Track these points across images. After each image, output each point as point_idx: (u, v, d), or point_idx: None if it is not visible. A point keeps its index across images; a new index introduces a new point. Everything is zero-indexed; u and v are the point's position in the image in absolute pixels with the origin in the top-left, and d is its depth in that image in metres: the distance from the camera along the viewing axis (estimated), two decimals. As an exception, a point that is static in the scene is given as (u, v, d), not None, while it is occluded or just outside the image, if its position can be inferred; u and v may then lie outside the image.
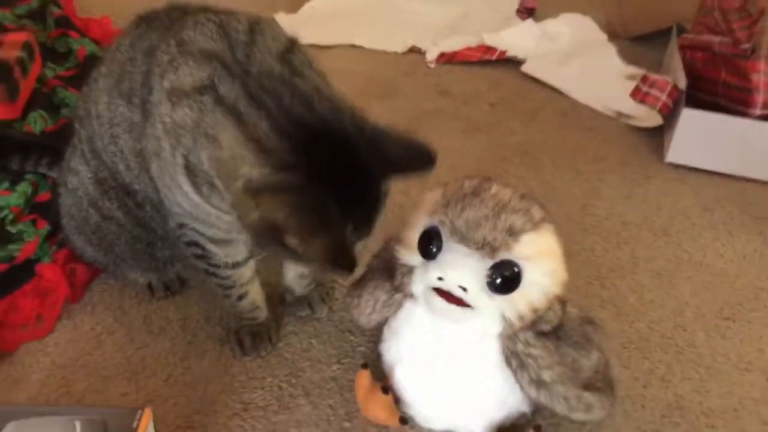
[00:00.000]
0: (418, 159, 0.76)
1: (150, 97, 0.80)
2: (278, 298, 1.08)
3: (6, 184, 1.22)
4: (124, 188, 0.93)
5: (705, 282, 1.17)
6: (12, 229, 1.13)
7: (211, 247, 0.90)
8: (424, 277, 0.80)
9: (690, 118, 1.37)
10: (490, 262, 0.77)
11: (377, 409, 0.90)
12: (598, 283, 1.15)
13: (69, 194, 1.00)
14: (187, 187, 0.79)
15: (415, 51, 1.78)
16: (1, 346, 0.99)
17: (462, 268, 0.77)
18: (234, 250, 0.91)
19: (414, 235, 0.83)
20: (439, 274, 0.78)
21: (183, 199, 0.82)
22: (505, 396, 0.85)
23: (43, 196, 1.21)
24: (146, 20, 0.87)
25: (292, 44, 0.80)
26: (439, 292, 0.79)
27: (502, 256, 0.77)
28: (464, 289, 0.78)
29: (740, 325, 1.09)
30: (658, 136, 1.50)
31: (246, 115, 0.72)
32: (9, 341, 1.00)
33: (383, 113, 1.49)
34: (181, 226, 0.89)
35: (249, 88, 0.73)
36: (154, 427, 0.86)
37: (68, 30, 1.68)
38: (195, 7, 0.85)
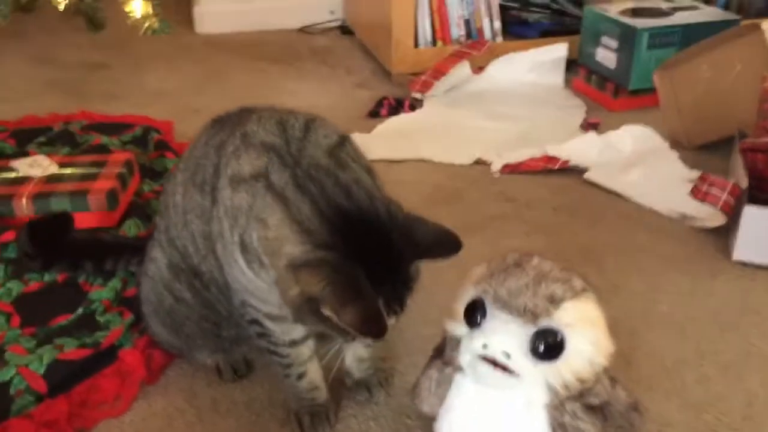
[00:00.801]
0: (445, 245, 0.86)
1: (218, 183, 0.91)
2: (338, 381, 1.11)
3: (100, 280, 1.34)
4: (193, 270, 1.02)
5: (776, 375, 1.13)
6: (101, 319, 1.23)
7: (269, 325, 0.97)
8: (470, 346, 0.83)
9: (753, 215, 1.37)
10: (532, 329, 0.80)
11: (430, 485, 0.90)
12: (663, 375, 1.14)
13: (148, 281, 1.10)
14: (242, 263, 0.88)
15: (480, 163, 1.86)
16: (82, 423, 1.06)
17: (505, 334, 0.80)
18: (290, 328, 0.97)
19: (460, 307, 0.87)
20: (484, 341, 0.81)
21: (240, 274, 0.90)
22: (554, 471, 0.85)
23: (131, 291, 1.32)
24: (219, 121, 1.00)
25: (342, 140, 0.91)
26: (485, 360, 0.82)
27: (544, 322, 0.79)
28: (508, 356, 0.80)
29: (815, 418, 1.04)
30: (723, 236, 1.49)
31: (292, 201, 0.82)
32: (89, 418, 1.07)
33: (448, 217, 1.56)
34: (243, 304, 0.97)
35: (297, 177, 0.84)
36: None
37: (165, 152, 1.86)
38: (262, 107, 0.97)
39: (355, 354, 1.08)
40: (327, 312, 0.79)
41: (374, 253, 0.81)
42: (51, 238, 1.34)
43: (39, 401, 1.08)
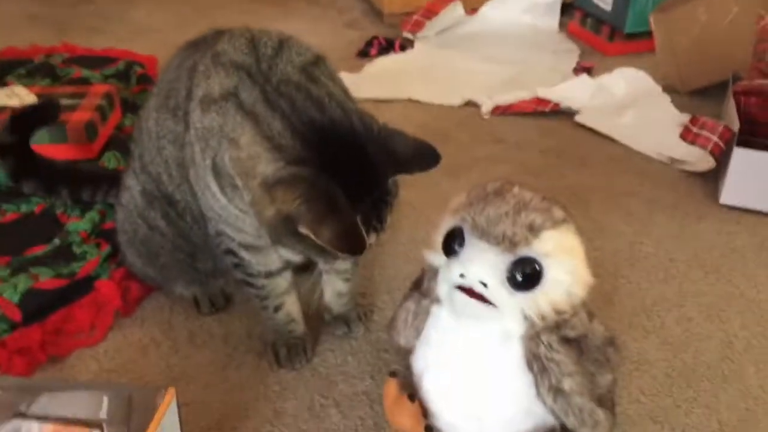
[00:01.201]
0: (423, 157, 0.83)
1: (189, 107, 0.88)
2: (316, 316, 1.10)
3: (77, 212, 1.32)
4: (167, 198, 0.99)
5: (756, 317, 1.12)
6: (77, 250, 1.21)
7: (245, 255, 0.95)
8: (447, 276, 0.81)
9: (742, 158, 1.35)
10: (510, 258, 0.78)
11: (403, 417, 0.89)
12: (644, 314, 1.13)
13: (122, 210, 1.09)
14: (215, 189, 0.86)
15: (470, 104, 1.83)
16: (56, 351, 1.05)
17: (482, 262, 0.78)
18: (266, 259, 0.96)
19: (439, 237, 0.84)
20: (461, 271, 0.79)
21: (213, 201, 0.88)
22: (529, 403, 0.83)
23: (110, 224, 1.30)
24: (193, 44, 0.96)
25: (317, 59, 0.87)
26: (462, 289, 0.80)
27: (522, 251, 0.77)
28: (485, 285, 0.78)
29: (794, 359, 1.04)
30: (712, 180, 1.47)
31: (262, 117, 0.79)
32: (63, 347, 1.06)
33: (434, 157, 1.55)
34: (218, 234, 0.95)
35: (267, 93, 0.80)
36: (187, 430, 0.89)
37: (148, 86, 1.82)
38: (236, 28, 0.93)
39: (335, 289, 1.06)
40: (304, 230, 0.76)
41: (351, 168, 0.78)
42: (32, 129, 1.30)
43: (13, 329, 1.06)
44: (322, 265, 1.00)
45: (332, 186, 0.76)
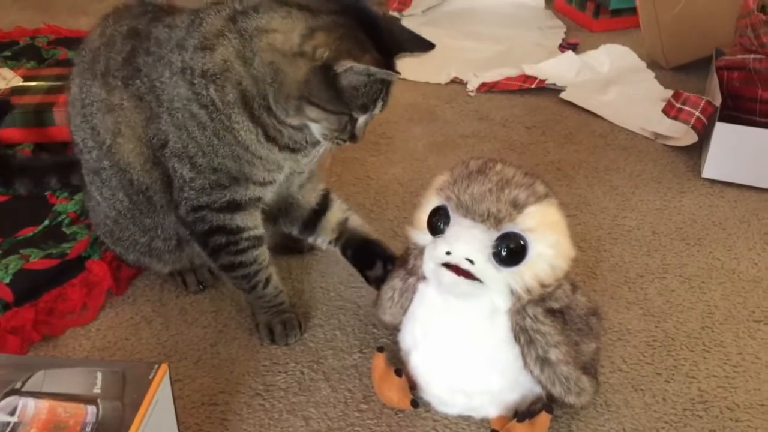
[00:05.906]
0: (422, 42, 0.93)
1: (159, 75, 0.91)
2: (303, 292, 1.13)
3: (66, 194, 1.32)
4: (94, 170, 1.03)
5: (737, 288, 1.15)
6: (67, 231, 1.22)
7: (237, 221, 0.96)
8: (433, 254, 0.83)
9: (724, 132, 1.37)
10: (495, 234, 0.79)
11: (390, 391, 0.92)
12: (626, 287, 1.15)
13: (85, 193, 1.13)
14: (246, 124, 0.90)
15: (456, 82, 1.84)
16: (49, 330, 1.06)
17: (468, 240, 0.80)
18: (256, 216, 0.99)
19: (424, 216, 0.86)
20: (447, 249, 0.81)
21: (233, 148, 0.91)
22: (516, 375, 0.86)
23: (99, 204, 1.31)
24: (114, 13, 1.01)
25: None
26: (448, 267, 0.82)
27: (507, 227, 0.79)
28: (471, 262, 0.80)
29: (772, 328, 1.07)
30: (695, 155, 1.50)
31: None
32: (56, 326, 1.07)
33: (421, 135, 1.57)
34: (196, 209, 0.95)
35: None
36: (180, 404, 0.91)
37: (134, 66, 1.82)
38: None
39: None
40: (346, 64, 0.82)
41: (371, 28, 0.87)
42: None
43: (6, 309, 1.07)
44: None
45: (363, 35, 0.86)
